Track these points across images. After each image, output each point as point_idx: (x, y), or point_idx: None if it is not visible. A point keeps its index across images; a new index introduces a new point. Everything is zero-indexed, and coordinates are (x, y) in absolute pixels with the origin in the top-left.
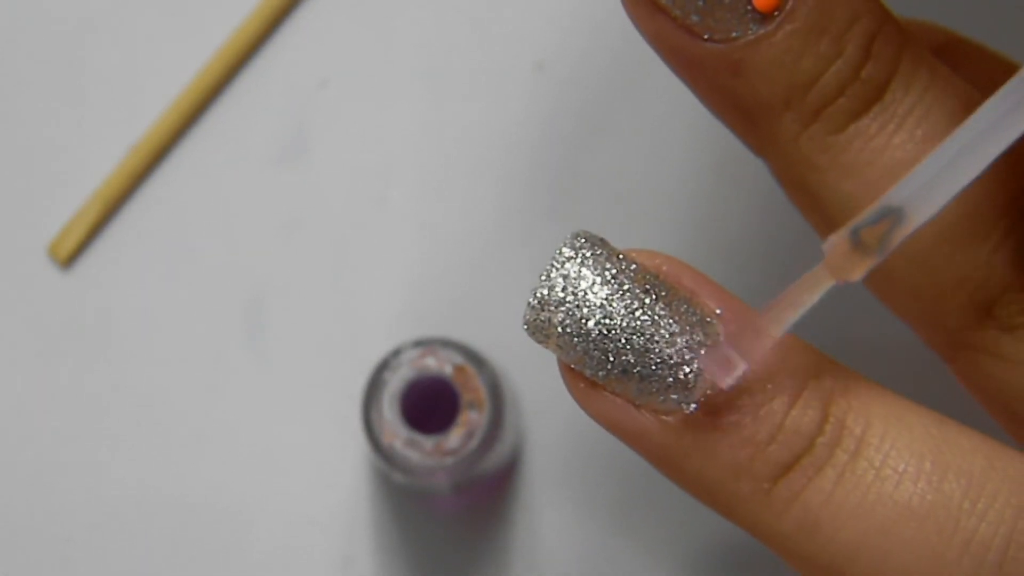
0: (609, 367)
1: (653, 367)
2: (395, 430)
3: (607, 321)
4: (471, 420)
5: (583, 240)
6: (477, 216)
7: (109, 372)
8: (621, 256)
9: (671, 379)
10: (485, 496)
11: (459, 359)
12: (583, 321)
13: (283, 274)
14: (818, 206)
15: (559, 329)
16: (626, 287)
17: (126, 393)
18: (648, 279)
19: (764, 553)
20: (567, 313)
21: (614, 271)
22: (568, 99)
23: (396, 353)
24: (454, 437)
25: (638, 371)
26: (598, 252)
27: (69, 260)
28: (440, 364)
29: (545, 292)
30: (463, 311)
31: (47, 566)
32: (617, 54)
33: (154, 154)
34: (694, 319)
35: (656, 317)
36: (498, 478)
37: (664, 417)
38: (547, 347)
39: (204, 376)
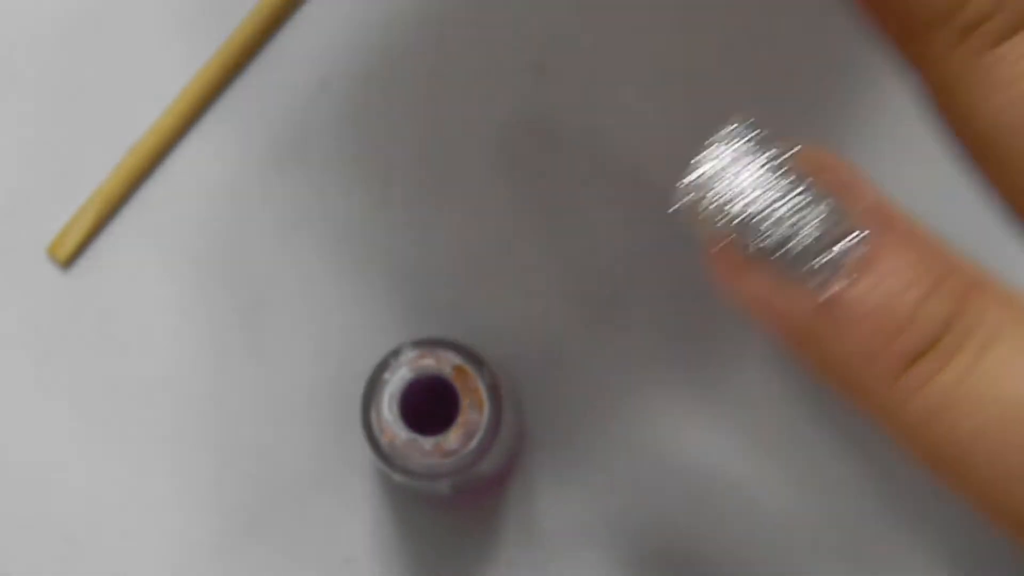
0: (760, 246)
1: (800, 250)
2: (394, 430)
3: (759, 202)
4: (471, 420)
5: (741, 126)
6: (477, 216)
7: (109, 372)
8: (777, 142)
9: (815, 263)
10: (485, 496)
11: (458, 359)
12: (735, 200)
13: (283, 274)
14: (968, 121)
15: (710, 207)
16: (780, 171)
17: (126, 393)
18: (803, 166)
19: (762, 554)
20: (719, 193)
21: (769, 155)
22: (568, 99)
23: (395, 353)
24: (453, 437)
25: (784, 252)
26: (754, 136)
27: (69, 260)
28: (439, 364)
29: (700, 172)
30: (463, 311)
31: (47, 566)
32: (617, 54)
33: (154, 154)
34: (843, 209)
35: (806, 201)
36: (498, 478)
37: (804, 300)
38: (695, 227)
39: (204, 376)
